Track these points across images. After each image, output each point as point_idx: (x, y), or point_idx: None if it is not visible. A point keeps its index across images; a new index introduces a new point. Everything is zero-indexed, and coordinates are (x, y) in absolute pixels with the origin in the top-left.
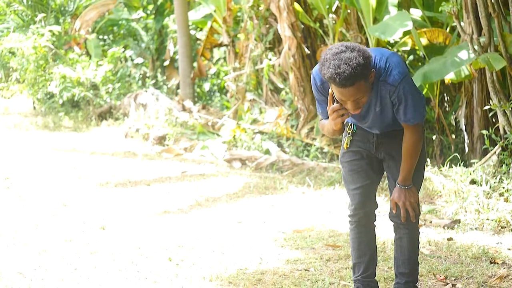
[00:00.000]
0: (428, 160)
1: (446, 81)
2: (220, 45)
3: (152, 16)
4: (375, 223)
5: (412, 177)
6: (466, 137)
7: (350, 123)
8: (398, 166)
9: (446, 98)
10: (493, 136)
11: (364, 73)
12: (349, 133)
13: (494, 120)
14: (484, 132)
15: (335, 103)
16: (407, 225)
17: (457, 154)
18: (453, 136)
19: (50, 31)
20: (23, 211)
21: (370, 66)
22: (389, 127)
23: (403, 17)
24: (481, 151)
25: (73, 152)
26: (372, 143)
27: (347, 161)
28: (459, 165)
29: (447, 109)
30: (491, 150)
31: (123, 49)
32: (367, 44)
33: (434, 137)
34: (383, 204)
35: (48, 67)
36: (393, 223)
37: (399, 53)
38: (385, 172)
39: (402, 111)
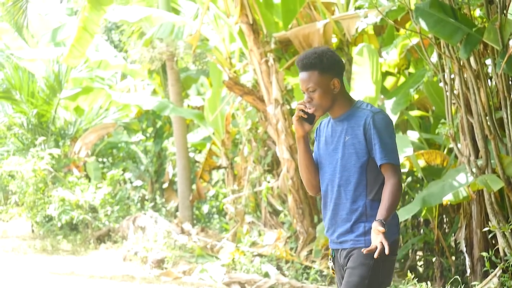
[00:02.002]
0: (429, 283)
1: (444, 203)
2: (219, 167)
3: (152, 139)
4: None
5: None
6: (467, 259)
7: (331, 249)
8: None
9: (445, 220)
10: (493, 258)
11: (322, 65)
12: (330, 258)
13: (494, 241)
14: (484, 254)
15: None
16: None
17: (458, 277)
18: (453, 258)
19: (50, 154)
20: None
21: (334, 68)
22: (349, 181)
23: (403, 142)
24: (482, 273)
25: (71, 275)
26: (342, 266)
27: None
28: (460, 287)
29: (447, 230)
30: (491, 272)
31: (122, 172)
32: None
33: (434, 259)
34: None
35: (47, 190)
36: None
37: None
38: None
39: (377, 145)
